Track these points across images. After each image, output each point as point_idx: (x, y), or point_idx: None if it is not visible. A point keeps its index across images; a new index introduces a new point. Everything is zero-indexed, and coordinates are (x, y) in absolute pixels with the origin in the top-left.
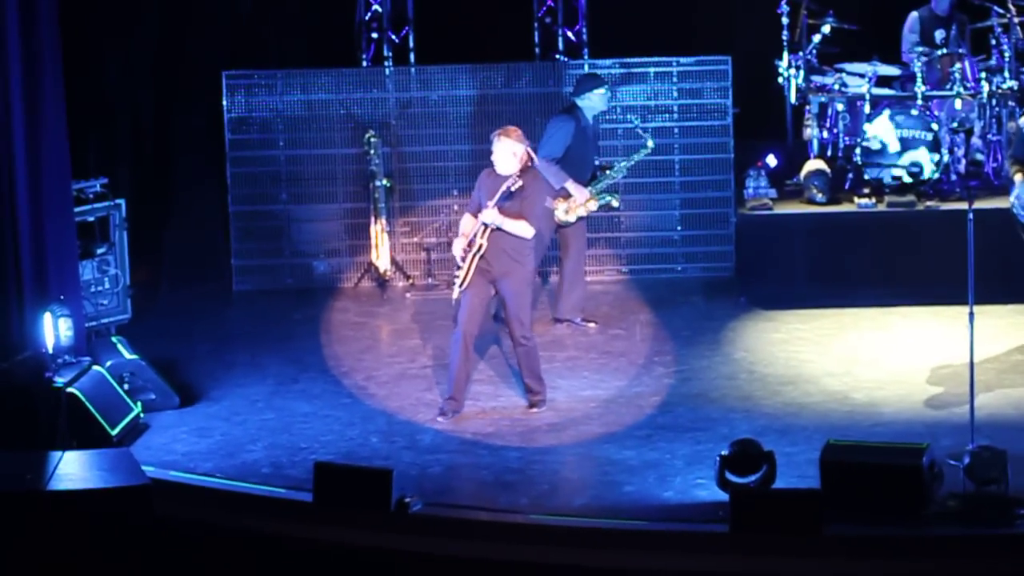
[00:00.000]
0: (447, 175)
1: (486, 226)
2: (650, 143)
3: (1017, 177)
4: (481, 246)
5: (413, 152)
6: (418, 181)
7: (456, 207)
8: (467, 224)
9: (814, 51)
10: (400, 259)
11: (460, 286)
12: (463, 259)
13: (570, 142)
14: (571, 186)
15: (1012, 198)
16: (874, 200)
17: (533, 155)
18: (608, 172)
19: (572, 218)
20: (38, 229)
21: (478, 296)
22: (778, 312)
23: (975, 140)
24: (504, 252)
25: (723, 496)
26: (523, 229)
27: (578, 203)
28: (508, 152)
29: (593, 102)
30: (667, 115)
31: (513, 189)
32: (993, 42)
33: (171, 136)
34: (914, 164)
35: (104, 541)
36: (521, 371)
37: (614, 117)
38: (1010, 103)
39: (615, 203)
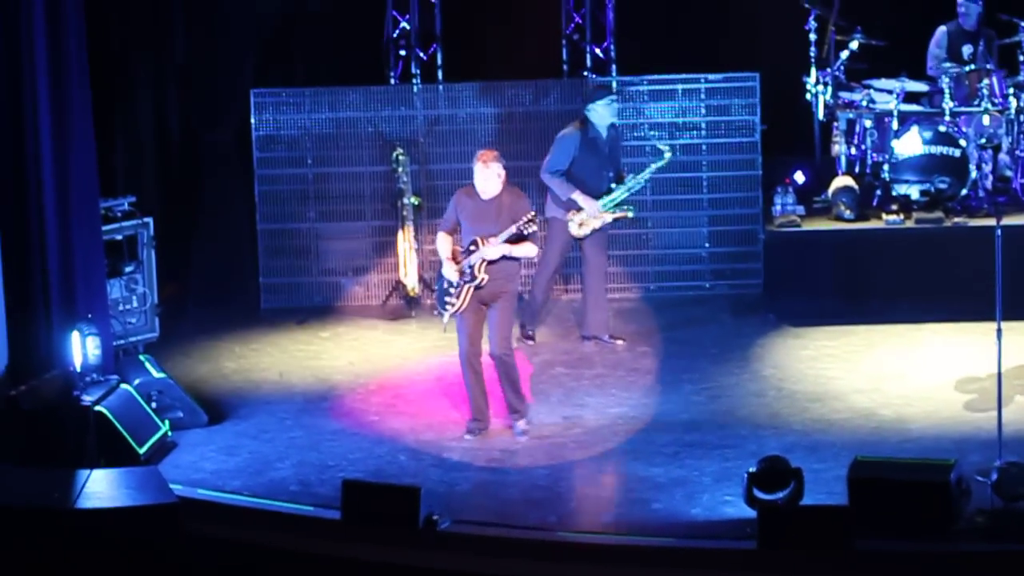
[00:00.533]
0: None
1: (483, 259)
2: (667, 154)
3: None
4: (483, 280)
5: (441, 170)
6: (446, 199)
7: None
8: (444, 245)
9: (842, 67)
10: (428, 276)
11: (453, 314)
12: (456, 287)
13: (576, 154)
14: (579, 198)
15: None
16: (902, 216)
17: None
18: (623, 184)
19: (587, 231)
20: (66, 247)
21: (474, 316)
22: (806, 329)
23: (1003, 156)
24: (499, 276)
25: (751, 513)
26: (529, 250)
27: (589, 215)
28: (494, 175)
29: (600, 113)
30: (695, 132)
31: (527, 232)
32: (1021, 58)
33: (199, 154)
34: (942, 180)
35: (132, 559)
36: (504, 390)
37: (641, 134)
38: None
39: (628, 214)
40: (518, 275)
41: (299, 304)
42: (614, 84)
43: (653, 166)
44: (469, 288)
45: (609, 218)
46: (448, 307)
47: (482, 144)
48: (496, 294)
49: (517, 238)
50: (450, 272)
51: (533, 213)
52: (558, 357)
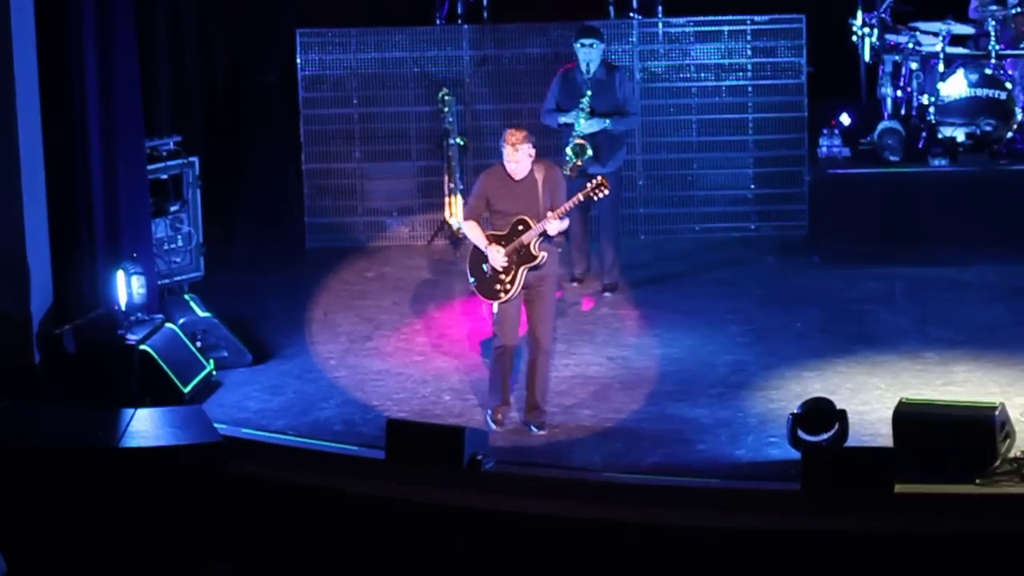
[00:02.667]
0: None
1: (542, 235)
2: (579, 160)
3: None
4: (542, 259)
5: (487, 110)
6: (492, 139)
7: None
8: (477, 232)
9: (888, 9)
10: None
11: (506, 300)
12: (504, 271)
13: (557, 94)
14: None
15: None
16: (948, 159)
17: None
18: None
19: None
20: (111, 187)
21: (517, 306)
22: (851, 270)
23: None
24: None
25: (795, 454)
26: (563, 224)
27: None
28: (525, 156)
29: (579, 55)
30: (741, 73)
31: (597, 198)
32: None
33: (245, 94)
34: (988, 123)
35: (176, 498)
36: (534, 385)
37: (689, 75)
38: None
39: (579, 163)
40: (557, 256)
41: (344, 244)
42: (660, 25)
43: (583, 126)
44: (524, 269)
45: (571, 165)
46: (501, 294)
47: (527, 85)
48: (540, 277)
49: (584, 207)
50: (499, 258)
51: (601, 178)
52: (603, 298)
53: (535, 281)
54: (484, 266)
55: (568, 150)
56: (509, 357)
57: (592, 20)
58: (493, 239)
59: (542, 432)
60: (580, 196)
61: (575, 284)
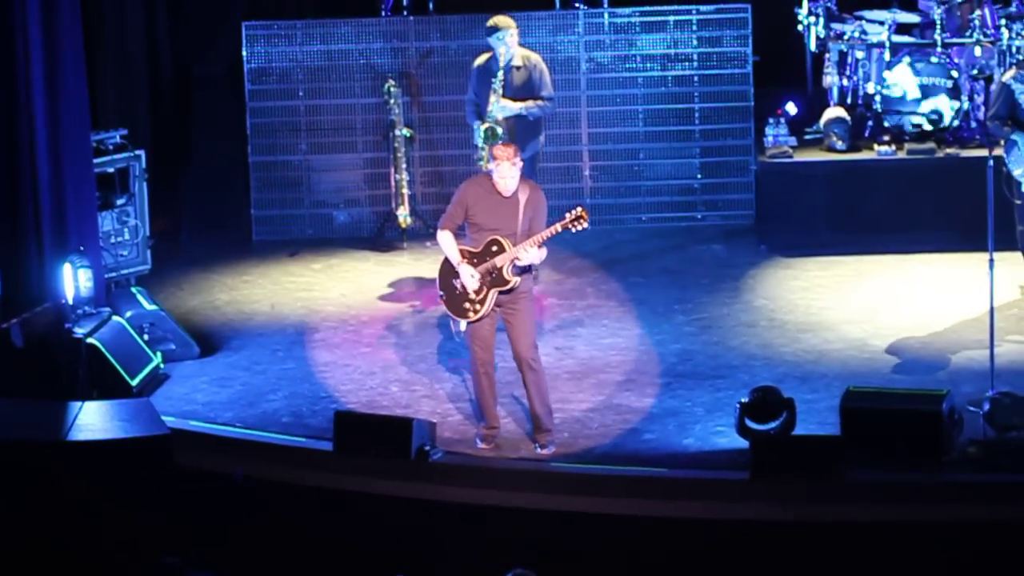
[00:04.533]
0: (467, 124)
1: (512, 261)
2: (490, 145)
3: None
4: (515, 283)
5: (433, 101)
6: (438, 131)
7: (476, 156)
8: (452, 246)
9: None
10: (420, 208)
11: (474, 320)
12: (477, 292)
13: (475, 84)
14: (475, 129)
15: (1011, 157)
16: (894, 147)
17: None
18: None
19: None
20: (58, 180)
21: (490, 322)
22: (798, 259)
23: (994, 87)
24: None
25: (743, 443)
26: (542, 254)
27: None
28: (517, 171)
29: (493, 46)
30: (687, 63)
31: (575, 230)
32: None
33: (191, 87)
34: (934, 111)
35: (124, 491)
36: (531, 402)
37: (635, 65)
38: None
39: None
40: (532, 274)
41: (291, 236)
42: (605, 16)
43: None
44: (495, 292)
45: (483, 152)
46: (469, 314)
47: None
48: (514, 295)
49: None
50: (471, 281)
51: (582, 209)
52: (550, 288)
53: (508, 299)
54: (455, 282)
55: (479, 135)
56: (488, 375)
57: (537, 11)
58: (466, 255)
59: (546, 451)
60: (558, 227)
61: None
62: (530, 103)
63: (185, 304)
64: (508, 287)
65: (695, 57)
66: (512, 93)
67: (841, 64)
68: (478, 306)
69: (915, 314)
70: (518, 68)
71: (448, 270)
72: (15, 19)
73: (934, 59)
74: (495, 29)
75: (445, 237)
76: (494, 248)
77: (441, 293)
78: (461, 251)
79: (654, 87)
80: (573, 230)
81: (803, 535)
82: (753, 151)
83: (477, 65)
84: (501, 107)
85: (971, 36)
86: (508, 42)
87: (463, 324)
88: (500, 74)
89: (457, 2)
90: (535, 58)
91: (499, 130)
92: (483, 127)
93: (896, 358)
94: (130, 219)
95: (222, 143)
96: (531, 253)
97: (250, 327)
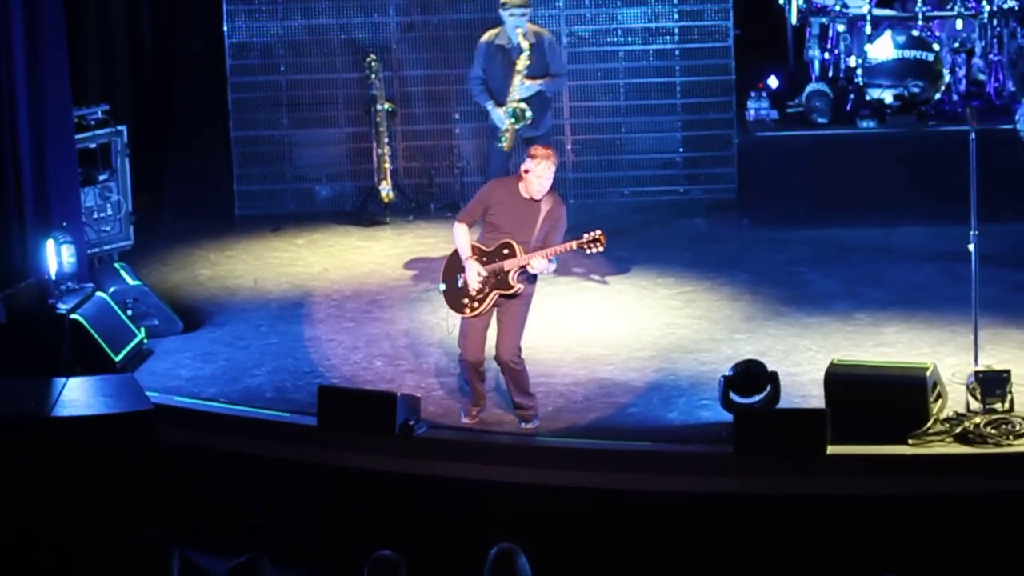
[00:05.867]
0: (449, 99)
1: (523, 268)
2: (518, 124)
3: None
4: (517, 291)
5: (414, 76)
6: (419, 105)
7: (457, 131)
8: (464, 240)
9: None
10: (402, 183)
11: (469, 317)
12: (478, 290)
13: (483, 62)
14: (491, 109)
15: (1018, 115)
16: (876, 121)
17: None
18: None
19: (511, 144)
20: (40, 156)
21: (484, 322)
22: (780, 233)
23: (976, 60)
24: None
25: (727, 417)
26: (551, 267)
27: (501, 127)
28: (552, 175)
29: (507, 22)
30: (668, 37)
31: (590, 252)
32: None
33: (172, 62)
34: (915, 84)
35: (108, 467)
36: (511, 393)
37: (616, 39)
38: (1011, 23)
39: (522, 124)
40: (534, 280)
41: (274, 211)
42: None
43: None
44: (496, 295)
45: (509, 127)
46: (466, 310)
47: (455, 50)
48: (513, 299)
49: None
50: (474, 277)
51: (600, 232)
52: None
53: (505, 301)
54: (459, 276)
55: (506, 114)
56: (475, 369)
57: None
58: (476, 252)
59: (530, 425)
60: (573, 244)
61: None
62: (548, 79)
63: (168, 279)
64: (511, 292)
65: (676, 31)
66: (529, 70)
67: (822, 37)
68: (476, 304)
69: (897, 287)
70: (531, 45)
71: (455, 263)
72: None
73: (915, 32)
74: (517, 7)
75: (460, 230)
76: (505, 251)
77: (442, 284)
78: (473, 247)
79: (635, 61)
80: (588, 251)
81: (787, 508)
82: (735, 125)
83: (485, 41)
84: (528, 87)
85: (952, 9)
86: (525, 20)
87: (457, 319)
88: (525, 53)
89: None
90: (545, 33)
91: (528, 111)
92: (512, 106)
93: (879, 331)
94: (113, 194)
95: (204, 118)
96: (541, 264)
97: (233, 302)
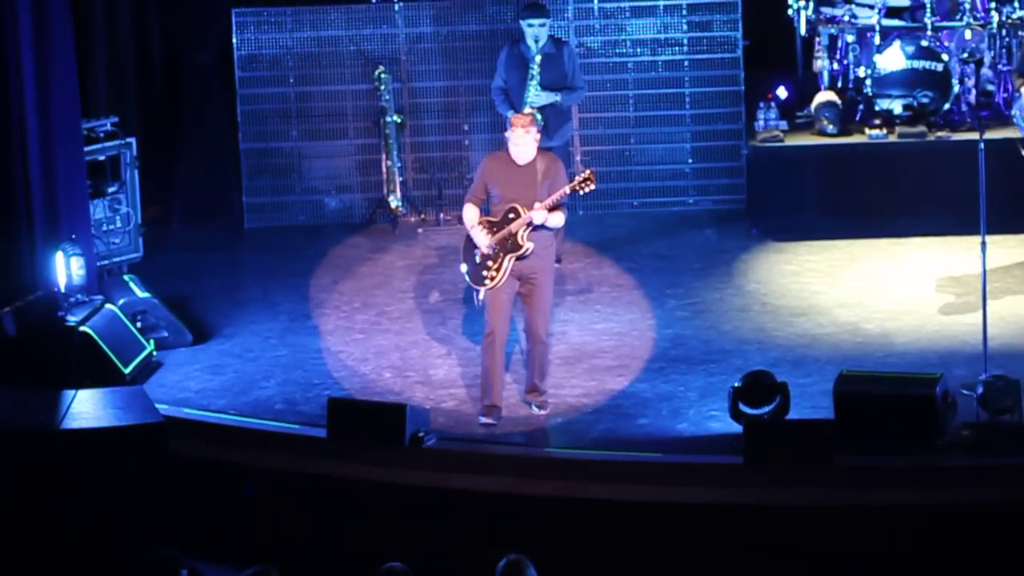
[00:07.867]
0: (458, 110)
1: (529, 225)
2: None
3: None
4: (527, 249)
5: (423, 87)
6: (429, 116)
7: (467, 142)
8: (472, 216)
9: None
10: (412, 195)
11: (491, 287)
12: (491, 258)
13: (503, 70)
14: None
15: (1015, 109)
16: (885, 131)
17: None
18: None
19: None
20: (49, 168)
21: (508, 294)
22: (790, 244)
23: (985, 70)
24: (536, 247)
25: (737, 428)
26: (559, 219)
27: None
28: (532, 140)
29: (525, 31)
30: (677, 48)
31: (583, 192)
32: None
33: (181, 74)
34: (925, 95)
35: (118, 480)
36: (532, 370)
37: (625, 50)
38: (1020, 33)
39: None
40: (553, 247)
41: (283, 223)
42: (595, 1)
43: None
44: (511, 258)
45: None
46: (486, 281)
47: (464, 61)
48: (534, 268)
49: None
50: (482, 238)
51: (590, 172)
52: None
53: (528, 271)
54: (476, 252)
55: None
56: (499, 347)
57: None
58: (485, 224)
59: (542, 411)
60: (567, 189)
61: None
62: (565, 92)
63: (178, 291)
64: (522, 251)
65: (685, 42)
66: (546, 80)
67: (831, 48)
68: (494, 273)
69: (907, 298)
70: (550, 55)
71: (470, 245)
72: (4, 7)
73: (924, 43)
74: (535, 17)
75: (468, 210)
76: (511, 215)
77: (464, 264)
78: (481, 221)
79: (644, 72)
80: (581, 192)
81: (797, 519)
82: (744, 135)
83: (505, 51)
84: (540, 95)
85: (961, 19)
86: (544, 30)
87: (481, 292)
88: (537, 59)
89: None
90: (568, 45)
91: (539, 116)
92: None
93: (889, 341)
94: (122, 207)
95: (213, 130)
96: (540, 214)
97: (242, 314)
